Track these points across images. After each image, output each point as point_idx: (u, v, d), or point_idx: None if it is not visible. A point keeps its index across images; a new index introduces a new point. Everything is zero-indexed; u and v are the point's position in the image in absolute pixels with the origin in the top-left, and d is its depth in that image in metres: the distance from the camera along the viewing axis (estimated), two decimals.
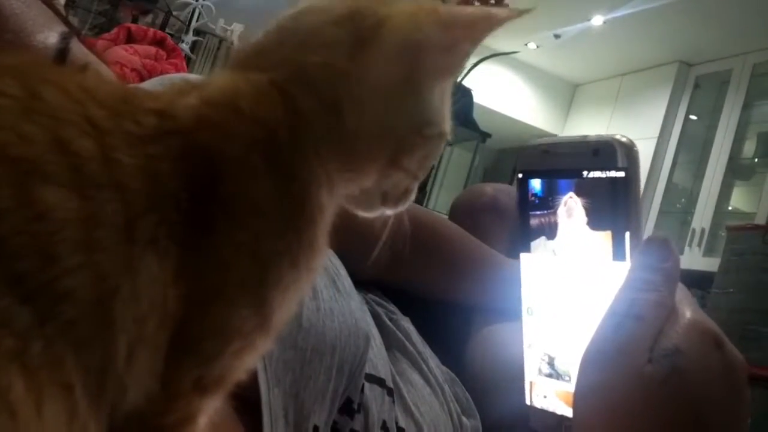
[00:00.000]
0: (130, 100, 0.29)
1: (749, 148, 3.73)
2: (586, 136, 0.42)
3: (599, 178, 0.41)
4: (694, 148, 4.06)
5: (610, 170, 0.40)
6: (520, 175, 0.45)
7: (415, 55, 0.34)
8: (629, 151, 0.40)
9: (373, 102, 0.34)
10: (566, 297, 0.44)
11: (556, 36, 4.20)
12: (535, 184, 0.45)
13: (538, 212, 0.45)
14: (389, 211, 0.40)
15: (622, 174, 0.40)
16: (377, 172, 0.36)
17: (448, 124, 0.38)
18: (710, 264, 3.01)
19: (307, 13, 0.35)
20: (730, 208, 3.76)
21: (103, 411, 0.26)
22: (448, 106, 0.38)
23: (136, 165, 0.27)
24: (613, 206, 0.41)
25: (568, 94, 5.10)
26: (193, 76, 0.56)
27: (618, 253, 0.41)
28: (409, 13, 0.34)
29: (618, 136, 0.40)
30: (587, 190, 0.42)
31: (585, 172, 0.42)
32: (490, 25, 0.35)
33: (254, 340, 0.31)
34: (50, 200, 0.23)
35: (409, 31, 0.34)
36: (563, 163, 0.43)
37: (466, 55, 0.36)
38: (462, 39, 0.35)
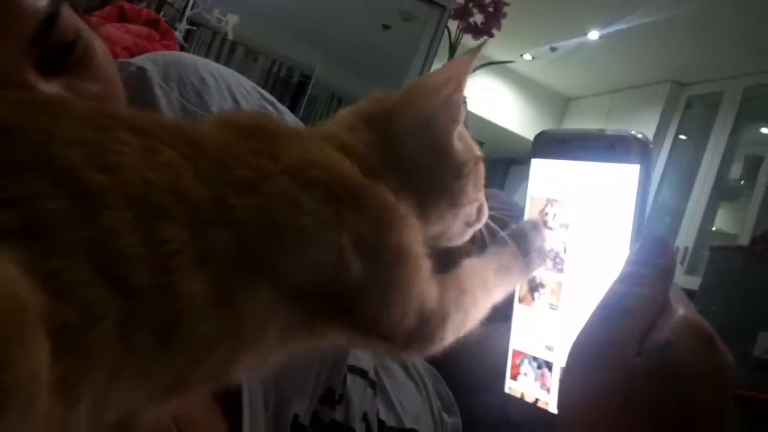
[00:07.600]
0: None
1: (736, 170, 3.77)
2: (603, 130, 0.42)
3: (611, 172, 0.41)
4: (681, 167, 4.10)
5: (623, 165, 0.40)
6: (534, 161, 0.46)
7: (423, 126, 0.42)
8: (644, 147, 0.40)
9: (413, 169, 0.41)
10: (557, 290, 0.44)
11: (552, 49, 4.22)
12: (548, 171, 0.45)
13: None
14: (477, 226, 0.46)
15: (634, 170, 0.40)
16: (443, 217, 0.43)
17: (476, 148, 0.44)
18: (692, 282, 3.03)
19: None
20: (714, 228, 3.79)
21: None
22: (468, 135, 0.44)
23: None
24: (620, 201, 0.41)
25: (560, 108, 5.13)
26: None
27: (619, 248, 0.41)
28: (403, 100, 0.43)
29: (635, 132, 0.41)
30: (598, 183, 0.42)
31: (598, 164, 0.42)
32: (459, 74, 0.42)
33: None
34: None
35: (410, 111, 0.42)
36: (578, 154, 0.43)
37: (459, 102, 0.43)
38: (449, 93, 0.42)
